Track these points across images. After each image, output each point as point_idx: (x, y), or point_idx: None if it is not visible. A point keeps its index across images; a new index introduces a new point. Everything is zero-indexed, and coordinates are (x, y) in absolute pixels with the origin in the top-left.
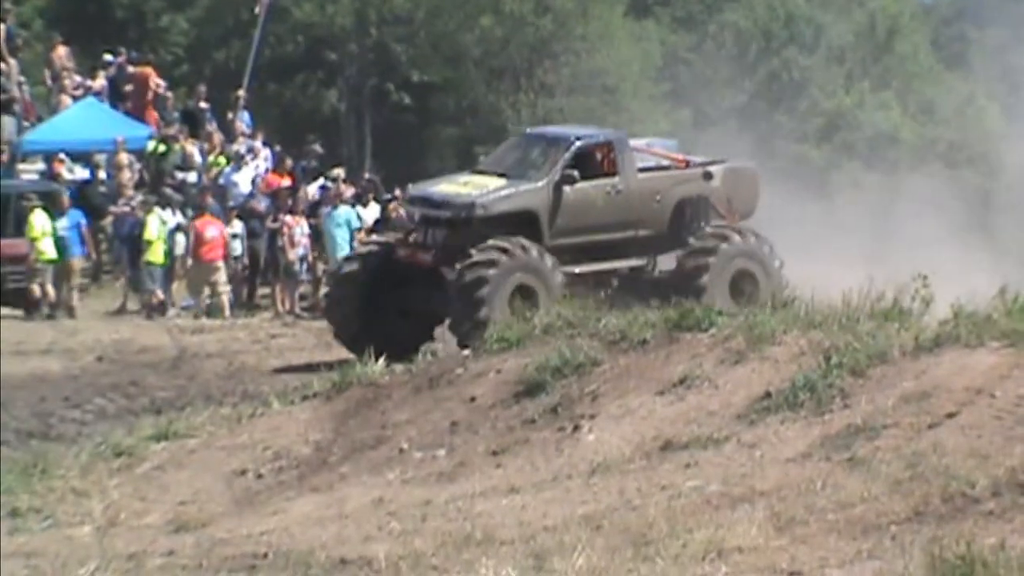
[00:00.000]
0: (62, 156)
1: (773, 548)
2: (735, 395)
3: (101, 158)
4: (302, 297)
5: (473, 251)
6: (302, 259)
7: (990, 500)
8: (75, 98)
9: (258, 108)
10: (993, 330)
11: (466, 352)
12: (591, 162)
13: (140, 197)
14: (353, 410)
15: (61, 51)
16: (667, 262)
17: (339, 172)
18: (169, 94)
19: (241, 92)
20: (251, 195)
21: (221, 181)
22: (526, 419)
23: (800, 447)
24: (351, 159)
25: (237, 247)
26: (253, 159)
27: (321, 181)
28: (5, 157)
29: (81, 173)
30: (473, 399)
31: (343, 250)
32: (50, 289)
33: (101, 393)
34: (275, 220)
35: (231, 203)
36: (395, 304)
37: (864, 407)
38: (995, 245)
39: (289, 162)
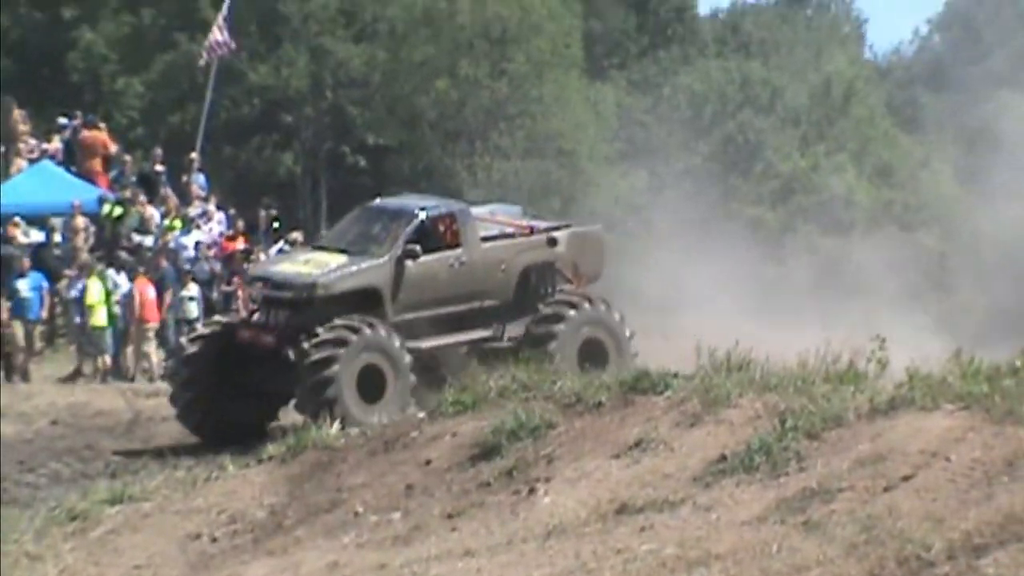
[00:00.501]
0: (17, 219)
1: None
2: (691, 458)
3: (56, 221)
4: None
5: (320, 330)
6: None
7: (945, 563)
8: (30, 161)
9: (213, 171)
10: (948, 393)
11: (421, 415)
12: (434, 234)
13: (84, 259)
14: (308, 473)
15: (16, 114)
16: (517, 329)
17: (296, 236)
18: (127, 157)
19: (195, 155)
20: (196, 259)
21: (171, 245)
22: (482, 482)
23: (756, 510)
24: (307, 222)
25: (193, 309)
26: (207, 222)
27: (280, 244)
28: None
29: (36, 236)
30: (428, 462)
31: None
32: None
33: (56, 457)
34: (229, 284)
35: (185, 266)
36: (238, 385)
37: (820, 470)
38: (950, 307)
39: (240, 224)
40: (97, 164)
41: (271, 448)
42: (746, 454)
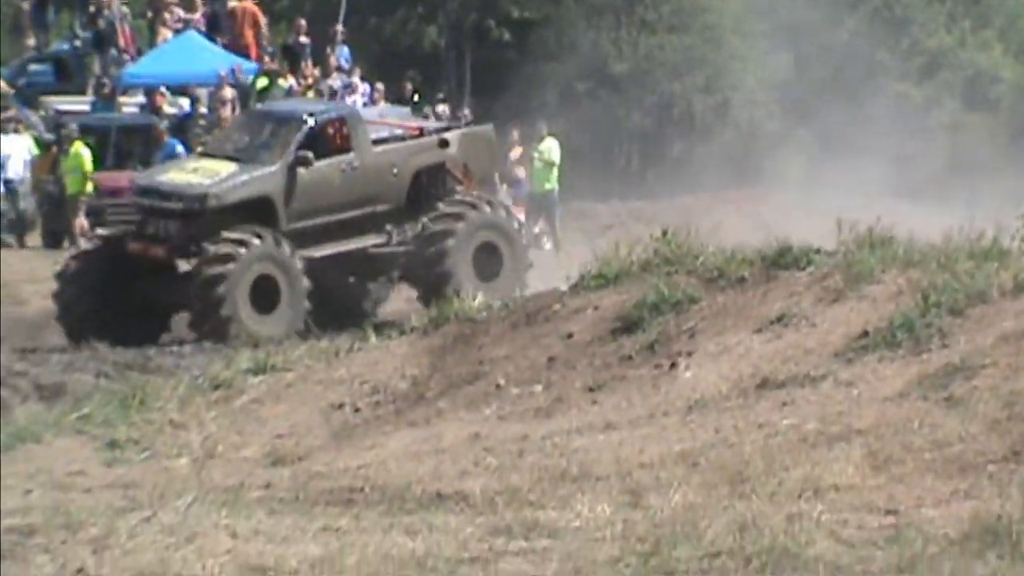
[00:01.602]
0: (163, 89)
1: (869, 487)
2: (832, 334)
3: (201, 92)
4: None
5: (208, 245)
6: None
7: None
8: (175, 31)
9: (358, 43)
10: None
11: (563, 287)
12: (324, 139)
13: None
14: (450, 346)
15: None
16: (410, 234)
17: (442, 108)
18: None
19: (339, 27)
20: None
21: None
22: (623, 356)
23: (897, 386)
24: (451, 95)
25: None
26: (350, 95)
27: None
28: (106, 91)
29: (182, 105)
30: (570, 335)
31: None
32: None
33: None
34: None
35: None
36: (128, 299)
37: (962, 347)
38: None
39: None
40: (248, 35)
41: (414, 319)
42: (888, 330)
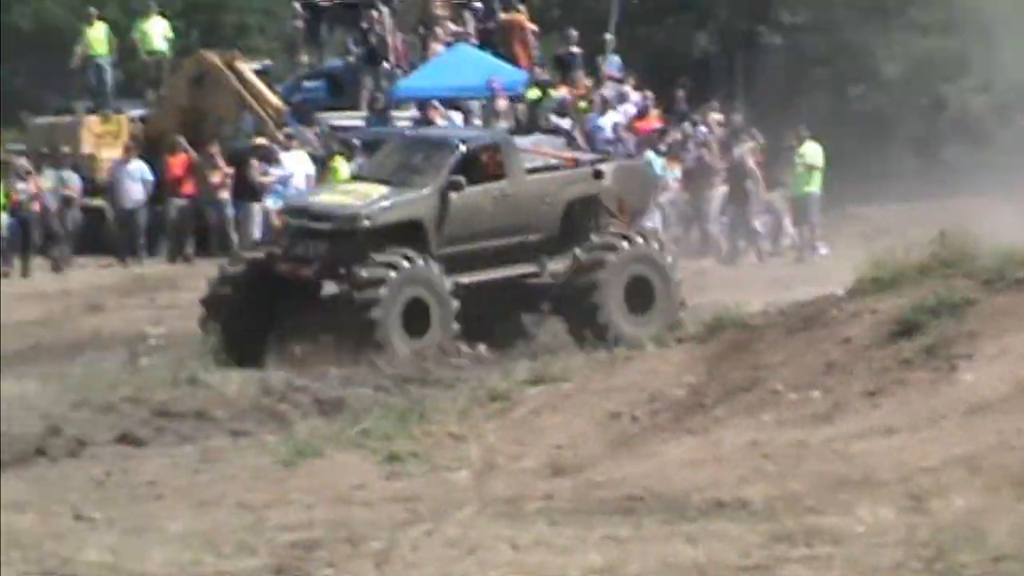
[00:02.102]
0: (435, 103)
1: None
2: None
3: (474, 104)
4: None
5: (358, 269)
6: (671, 203)
7: None
8: (447, 44)
9: (628, 52)
10: None
11: (840, 292)
12: (477, 166)
13: None
14: (726, 352)
15: None
16: (560, 265)
17: (714, 116)
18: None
19: (610, 36)
20: (615, 140)
21: (586, 126)
22: (902, 359)
23: None
24: (721, 102)
25: None
26: (621, 104)
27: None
28: (379, 105)
29: (454, 119)
30: (848, 340)
31: None
32: None
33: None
34: None
35: (597, 147)
36: (273, 323)
37: None
38: None
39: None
40: (519, 47)
41: (689, 326)
42: None
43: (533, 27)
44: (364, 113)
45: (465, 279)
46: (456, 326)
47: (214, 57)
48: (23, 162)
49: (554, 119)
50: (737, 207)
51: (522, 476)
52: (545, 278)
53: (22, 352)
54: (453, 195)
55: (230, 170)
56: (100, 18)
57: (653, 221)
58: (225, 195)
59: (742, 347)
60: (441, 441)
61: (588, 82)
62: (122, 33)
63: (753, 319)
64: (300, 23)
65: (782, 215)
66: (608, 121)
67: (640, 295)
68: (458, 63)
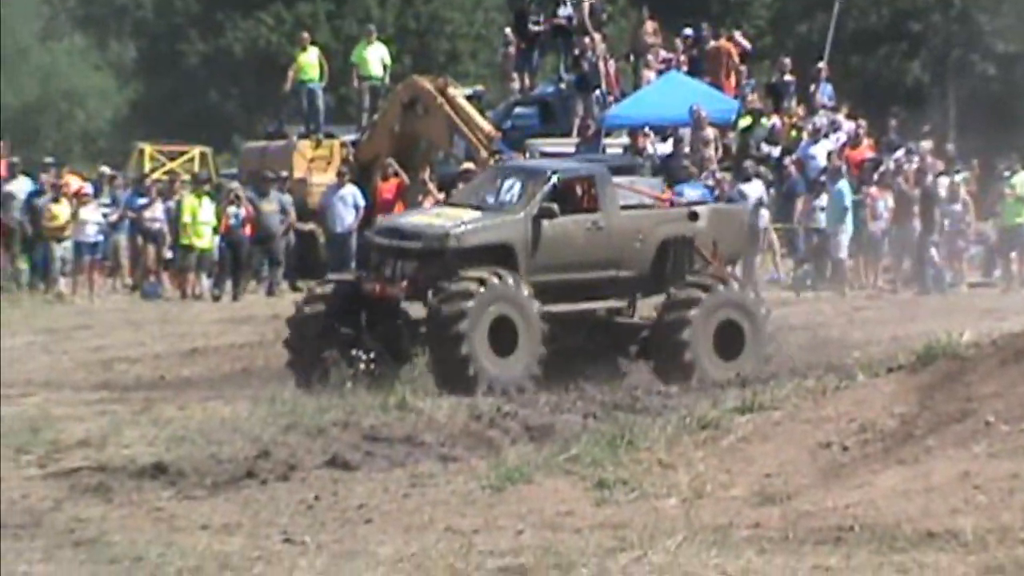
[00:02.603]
0: (646, 130)
1: None
2: None
3: (685, 132)
4: (885, 270)
5: (446, 284)
6: (883, 232)
7: None
8: (658, 72)
9: (840, 80)
10: None
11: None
12: (571, 196)
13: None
14: (938, 383)
15: (648, 26)
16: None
17: (926, 144)
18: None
19: (822, 64)
20: (826, 169)
21: (797, 155)
22: None
23: None
24: (934, 131)
25: (821, 219)
26: (834, 132)
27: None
28: (590, 132)
29: (663, 148)
30: None
31: None
32: None
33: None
34: (857, 192)
35: (809, 176)
36: (358, 345)
37: None
38: None
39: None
40: (729, 74)
41: (900, 357)
42: None
43: (746, 44)
44: (575, 140)
45: (553, 308)
46: (542, 350)
47: (426, 83)
48: (235, 186)
49: (765, 147)
50: (924, 235)
51: (731, 504)
52: (634, 318)
53: (232, 375)
54: (545, 222)
55: (441, 195)
56: (312, 43)
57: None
58: None
59: (954, 377)
60: (650, 468)
61: (800, 110)
62: (333, 58)
63: (965, 349)
64: (512, 49)
65: (994, 245)
66: (820, 150)
67: (730, 341)
68: (668, 91)
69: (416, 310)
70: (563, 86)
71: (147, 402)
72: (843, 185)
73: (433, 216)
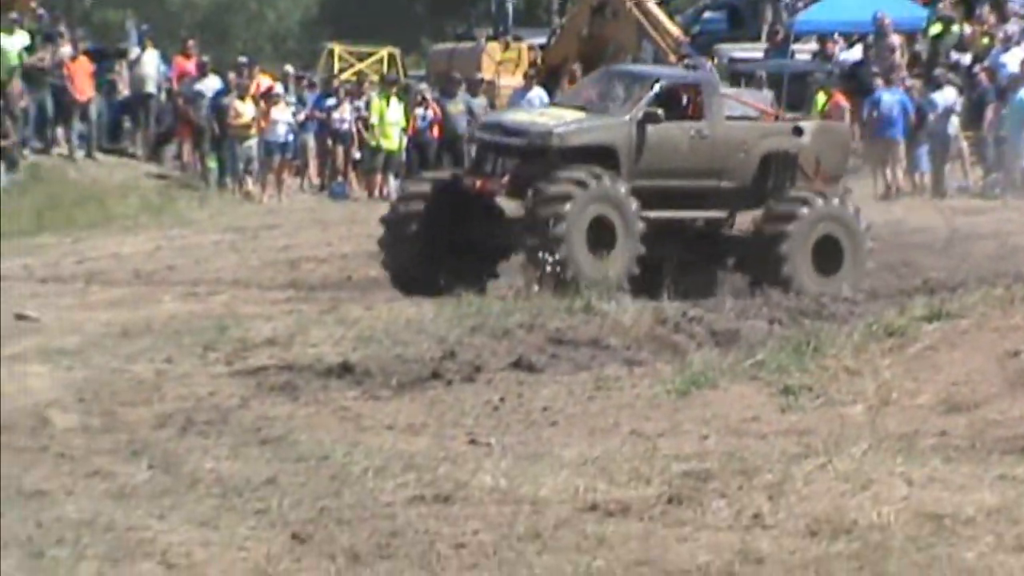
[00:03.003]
0: (836, 36)
1: None
2: None
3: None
4: None
5: (544, 184)
6: None
7: None
8: None
9: None
10: None
11: None
12: (676, 103)
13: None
14: None
15: None
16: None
17: None
18: None
19: None
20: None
21: (988, 63)
22: None
23: None
24: None
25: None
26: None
27: None
28: (779, 38)
29: (852, 54)
30: None
31: None
32: None
33: (874, 273)
34: None
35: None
36: (455, 242)
37: None
38: None
39: None
40: None
41: None
42: None
43: None
44: (764, 45)
45: (652, 214)
46: (642, 249)
47: None
48: (423, 87)
49: (955, 55)
50: None
51: (917, 412)
52: (733, 230)
53: None
54: (649, 127)
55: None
56: None
57: None
58: None
59: None
60: (836, 375)
61: (992, 18)
62: None
63: None
64: None
65: None
66: (1011, 58)
67: (828, 256)
68: None
69: (514, 208)
70: None
71: (334, 302)
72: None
73: (537, 115)
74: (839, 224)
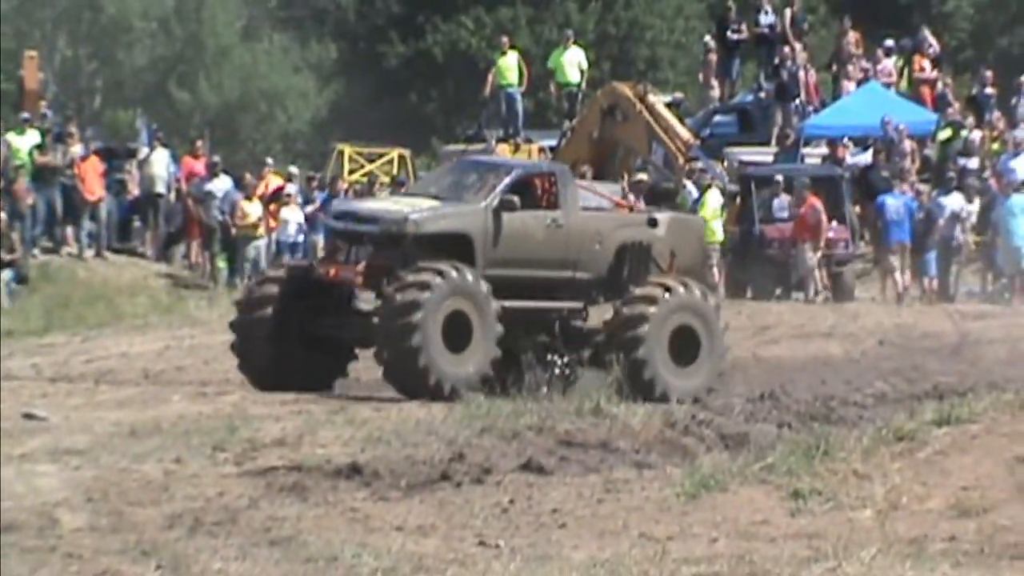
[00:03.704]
0: (845, 141)
1: None
2: None
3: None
4: None
5: (404, 273)
6: None
7: None
8: (858, 83)
9: None
10: None
11: None
12: (531, 192)
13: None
14: None
15: (851, 37)
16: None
17: None
18: (948, 81)
19: None
20: None
21: (998, 167)
22: None
23: None
24: None
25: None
26: None
27: None
28: (789, 142)
29: (862, 158)
30: None
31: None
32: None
33: (882, 377)
34: None
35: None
36: (307, 334)
37: None
38: None
39: None
40: (925, 87)
41: None
42: None
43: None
44: (773, 149)
45: (508, 304)
46: (498, 351)
47: (626, 89)
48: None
49: (960, 160)
50: None
51: (927, 517)
52: (590, 321)
53: None
54: (505, 215)
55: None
56: (512, 47)
57: None
58: None
59: None
60: (845, 479)
61: (1002, 124)
62: (533, 62)
63: None
64: (712, 57)
65: None
66: (1019, 163)
67: (685, 348)
68: (868, 101)
69: (368, 300)
70: (762, 95)
71: (343, 402)
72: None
73: (391, 202)
74: (697, 316)
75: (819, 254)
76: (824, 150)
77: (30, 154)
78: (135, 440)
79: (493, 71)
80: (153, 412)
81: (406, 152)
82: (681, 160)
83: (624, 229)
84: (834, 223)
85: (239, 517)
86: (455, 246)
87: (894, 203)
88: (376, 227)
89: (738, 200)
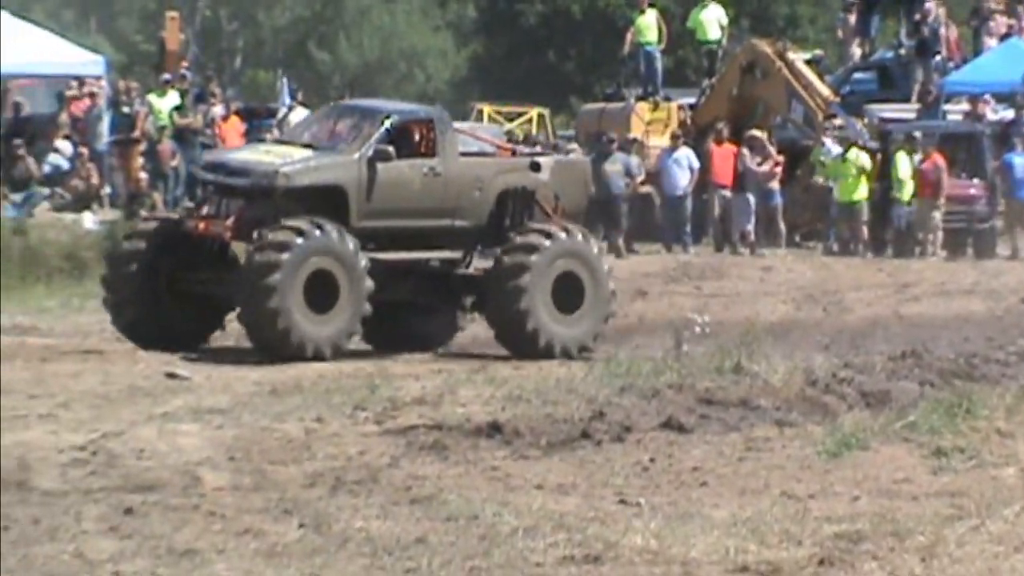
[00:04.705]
0: (987, 97)
1: None
2: None
3: None
4: None
5: (267, 231)
6: None
7: None
8: (1000, 38)
9: None
10: None
11: None
12: (408, 140)
13: None
14: None
15: None
16: (485, 260)
17: None
18: None
19: None
20: None
21: None
22: None
23: None
24: None
25: None
26: None
27: None
28: (930, 98)
29: (1004, 114)
30: None
31: None
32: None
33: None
34: None
35: None
36: (178, 288)
37: None
38: None
39: None
40: None
41: None
42: None
43: None
44: (914, 106)
45: (383, 256)
46: (368, 307)
47: (766, 46)
48: (573, 147)
49: None
50: None
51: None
52: (469, 270)
53: None
54: (380, 165)
55: (780, 158)
56: (651, 5)
57: None
58: (774, 185)
59: None
60: (988, 437)
61: None
62: (672, 20)
63: None
64: (851, 14)
65: None
66: None
67: (569, 295)
68: (1010, 57)
69: (243, 253)
70: (902, 52)
71: (483, 362)
72: None
73: (262, 153)
74: (580, 261)
75: (940, 212)
76: (965, 106)
77: (170, 115)
78: (276, 399)
79: (632, 29)
80: (294, 371)
81: (545, 111)
82: (821, 117)
83: (505, 175)
84: (975, 180)
85: (380, 476)
86: (328, 199)
87: (1020, 161)
88: (247, 180)
89: (879, 157)
